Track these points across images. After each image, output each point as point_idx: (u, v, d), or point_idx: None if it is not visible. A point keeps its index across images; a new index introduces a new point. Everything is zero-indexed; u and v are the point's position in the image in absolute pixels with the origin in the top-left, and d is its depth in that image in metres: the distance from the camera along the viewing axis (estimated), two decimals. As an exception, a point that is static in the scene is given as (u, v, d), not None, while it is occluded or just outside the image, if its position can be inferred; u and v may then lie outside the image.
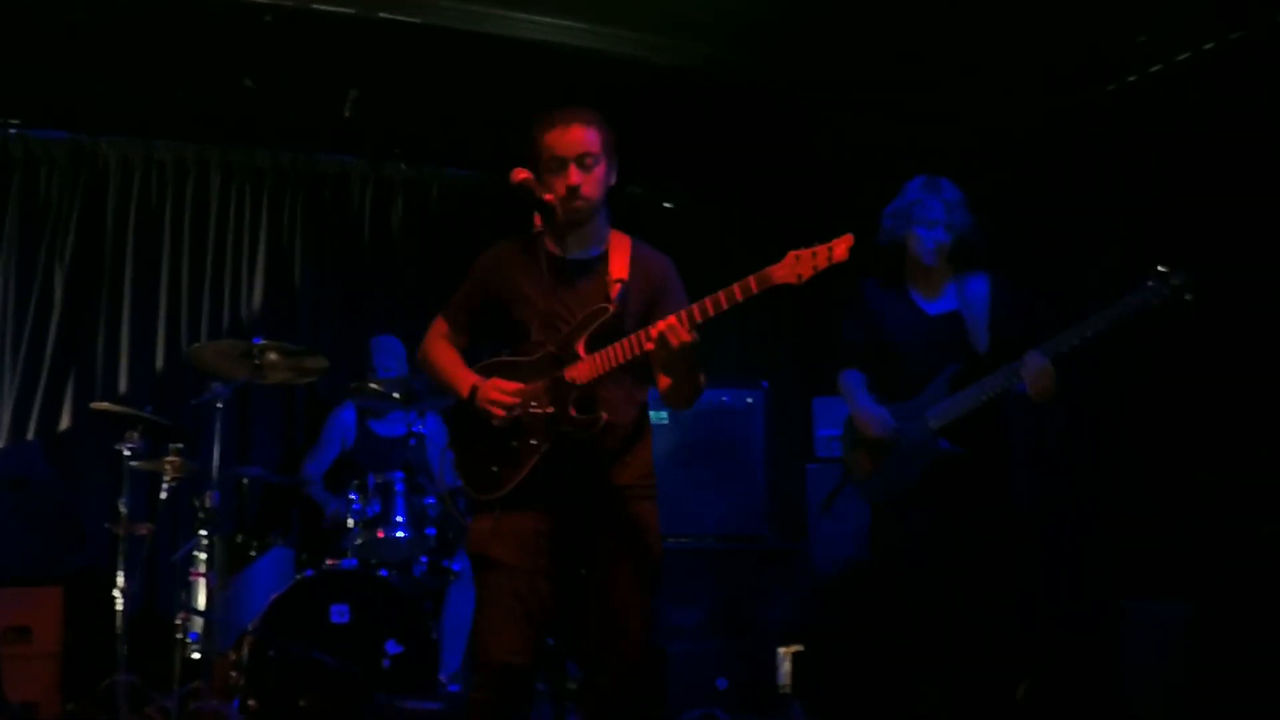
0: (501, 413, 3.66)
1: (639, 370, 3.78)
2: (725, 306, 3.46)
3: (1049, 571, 6.59)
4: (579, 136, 3.74)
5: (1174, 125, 6.11)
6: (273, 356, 5.88)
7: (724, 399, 6.97)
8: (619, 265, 3.81)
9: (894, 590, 4.78)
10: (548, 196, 3.65)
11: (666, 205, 8.63)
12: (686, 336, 3.47)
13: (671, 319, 3.47)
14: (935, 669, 4.77)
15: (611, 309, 3.70)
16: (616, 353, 3.61)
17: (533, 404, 3.64)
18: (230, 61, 6.40)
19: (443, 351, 3.95)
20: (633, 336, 3.59)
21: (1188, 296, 4.43)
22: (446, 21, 5.96)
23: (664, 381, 3.77)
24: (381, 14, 5.86)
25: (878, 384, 4.92)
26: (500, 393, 3.66)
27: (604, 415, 3.64)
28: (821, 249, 3.41)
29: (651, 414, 6.68)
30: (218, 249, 7.50)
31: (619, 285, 3.77)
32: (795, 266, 3.43)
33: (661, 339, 3.46)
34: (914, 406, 4.77)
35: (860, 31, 6.11)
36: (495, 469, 3.71)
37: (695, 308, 3.48)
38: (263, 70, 6.52)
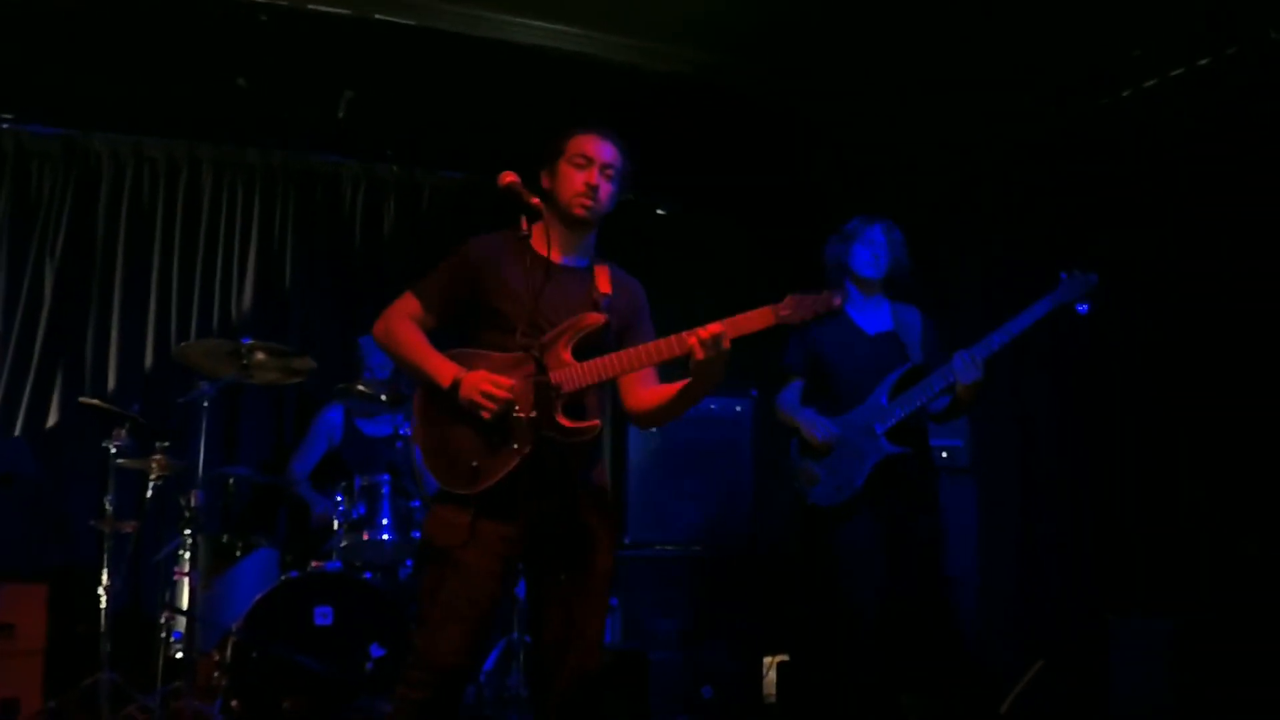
0: (494, 406, 3.60)
1: (609, 384, 3.81)
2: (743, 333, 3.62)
3: (1036, 588, 6.60)
4: (611, 150, 3.86)
5: (1168, 139, 6.12)
6: (261, 356, 5.87)
7: (712, 407, 6.98)
8: (604, 281, 3.86)
9: (842, 592, 5.00)
10: (534, 200, 3.64)
11: (660, 212, 8.62)
12: (727, 344, 3.55)
13: (715, 327, 3.54)
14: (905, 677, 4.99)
15: (603, 319, 3.74)
16: (621, 361, 3.66)
17: (519, 403, 3.62)
18: (224, 60, 6.39)
19: (412, 333, 3.84)
20: (669, 340, 3.63)
21: (1088, 298, 4.85)
22: (441, 24, 5.96)
23: (649, 394, 3.83)
24: (377, 15, 5.86)
25: (821, 401, 5.23)
26: (493, 385, 3.61)
27: (598, 423, 3.66)
28: (822, 297, 3.72)
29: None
30: (208, 247, 7.49)
31: (605, 298, 3.81)
32: (796, 311, 3.67)
33: (715, 342, 3.51)
34: (859, 413, 5.10)
35: (855, 42, 6.12)
36: (475, 464, 3.65)
37: (731, 321, 3.59)
38: (257, 69, 6.51)
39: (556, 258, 3.74)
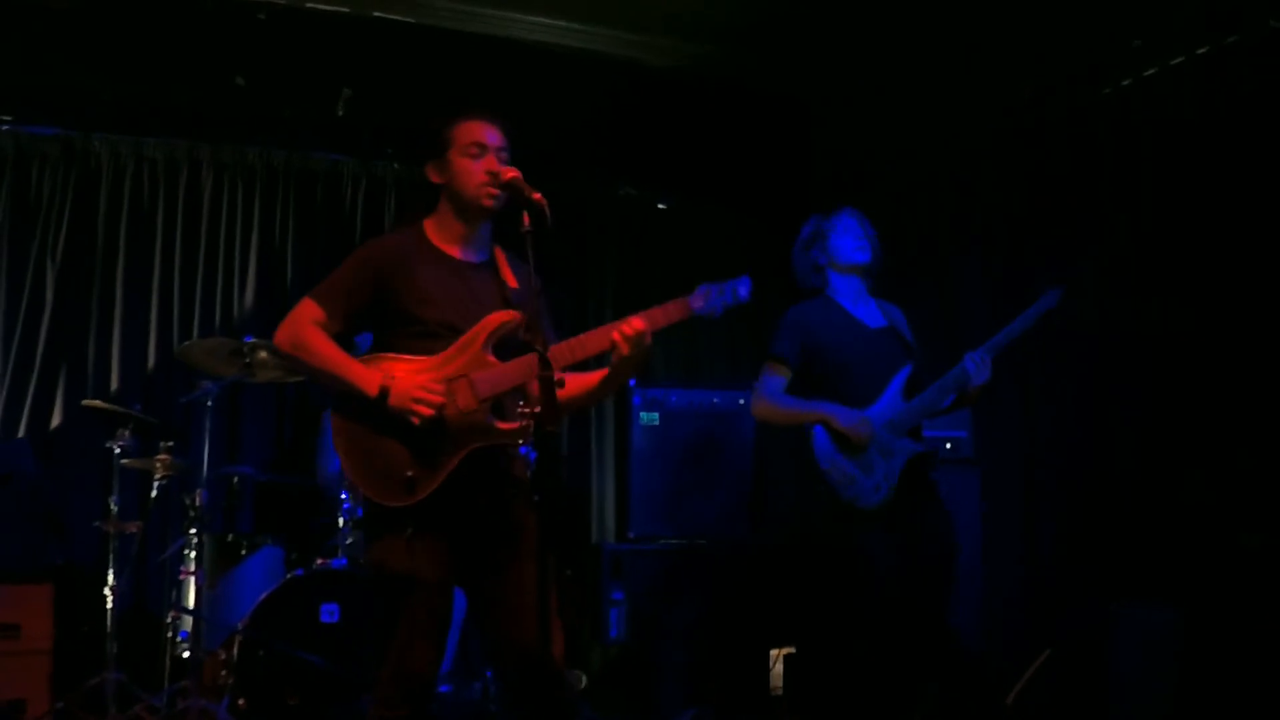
0: (429, 412, 3.51)
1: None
2: (662, 325, 3.58)
3: (1039, 578, 6.60)
4: (498, 132, 3.79)
5: (1168, 128, 6.12)
6: (263, 355, 5.87)
7: (715, 400, 6.97)
8: (507, 274, 3.81)
9: (874, 593, 4.84)
10: (536, 195, 3.56)
11: (660, 206, 8.63)
12: (649, 340, 3.54)
13: (639, 323, 3.53)
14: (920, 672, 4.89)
15: (520, 317, 3.65)
16: (581, 348, 3.62)
17: (449, 408, 3.55)
18: (223, 59, 6.40)
19: (324, 342, 3.65)
20: (592, 334, 3.61)
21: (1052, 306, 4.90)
22: (440, 21, 5.97)
23: (581, 385, 3.80)
24: (375, 13, 5.87)
25: (824, 397, 4.98)
26: (425, 391, 3.52)
27: (530, 422, 3.48)
28: (727, 286, 3.61)
29: (643, 415, 6.82)
30: (209, 247, 7.48)
31: (514, 293, 3.76)
32: (703, 301, 3.59)
33: (639, 338, 3.50)
34: (880, 410, 4.91)
35: (853, 35, 6.12)
36: (409, 474, 3.54)
37: (646, 316, 3.56)
38: (255, 68, 6.52)
39: (461, 254, 3.72)
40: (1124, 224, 6.30)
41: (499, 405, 3.64)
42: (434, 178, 3.82)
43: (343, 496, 6.05)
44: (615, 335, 3.53)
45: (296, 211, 7.69)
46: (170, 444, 5.95)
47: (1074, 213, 6.58)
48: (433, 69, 6.53)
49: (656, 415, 6.85)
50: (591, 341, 3.60)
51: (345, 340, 3.74)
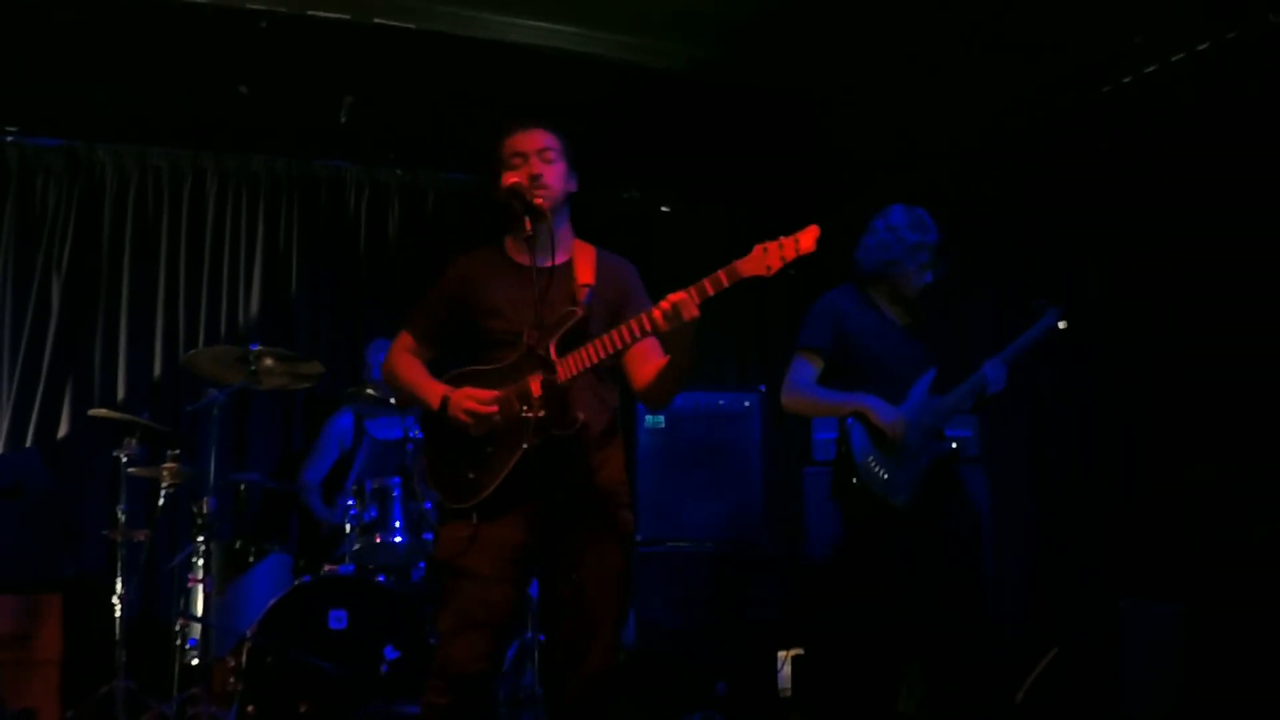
0: (472, 421, 3.67)
1: (609, 374, 3.86)
2: (711, 292, 3.47)
3: (1048, 575, 6.60)
4: (539, 135, 3.87)
5: (1169, 125, 6.12)
6: (269, 362, 5.88)
7: (721, 402, 6.97)
8: (585, 271, 3.87)
9: (888, 594, 4.82)
10: (538, 200, 3.67)
11: (664, 209, 8.63)
12: (696, 311, 3.47)
13: (679, 294, 3.46)
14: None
15: (579, 312, 3.73)
16: (599, 348, 3.61)
17: (507, 410, 3.65)
18: (225, 68, 6.41)
19: (408, 365, 3.97)
20: (622, 327, 3.58)
21: (1061, 325, 5.01)
22: (441, 26, 5.96)
23: (649, 371, 3.81)
24: (376, 20, 5.87)
25: (852, 388, 4.95)
26: (473, 401, 3.67)
27: (581, 415, 3.67)
28: (788, 240, 3.44)
29: (648, 418, 6.82)
30: (214, 255, 7.50)
31: (586, 289, 3.82)
32: (764, 259, 3.44)
33: (675, 311, 3.45)
34: (911, 409, 4.88)
35: (853, 34, 6.12)
36: (471, 476, 3.71)
37: (695, 287, 3.47)
38: (258, 77, 6.52)
39: (531, 260, 3.73)
40: (1127, 219, 6.29)
41: (560, 402, 3.67)
42: (496, 195, 3.86)
43: (349, 503, 6.06)
44: (656, 313, 3.51)
45: (300, 218, 7.72)
46: (177, 452, 5.96)
47: (1077, 210, 6.58)
48: (434, 74, 6.53)
49: (662, 418, 6.85)
50: (636, 326, 3.58)
51: (440, 363, 3.98)
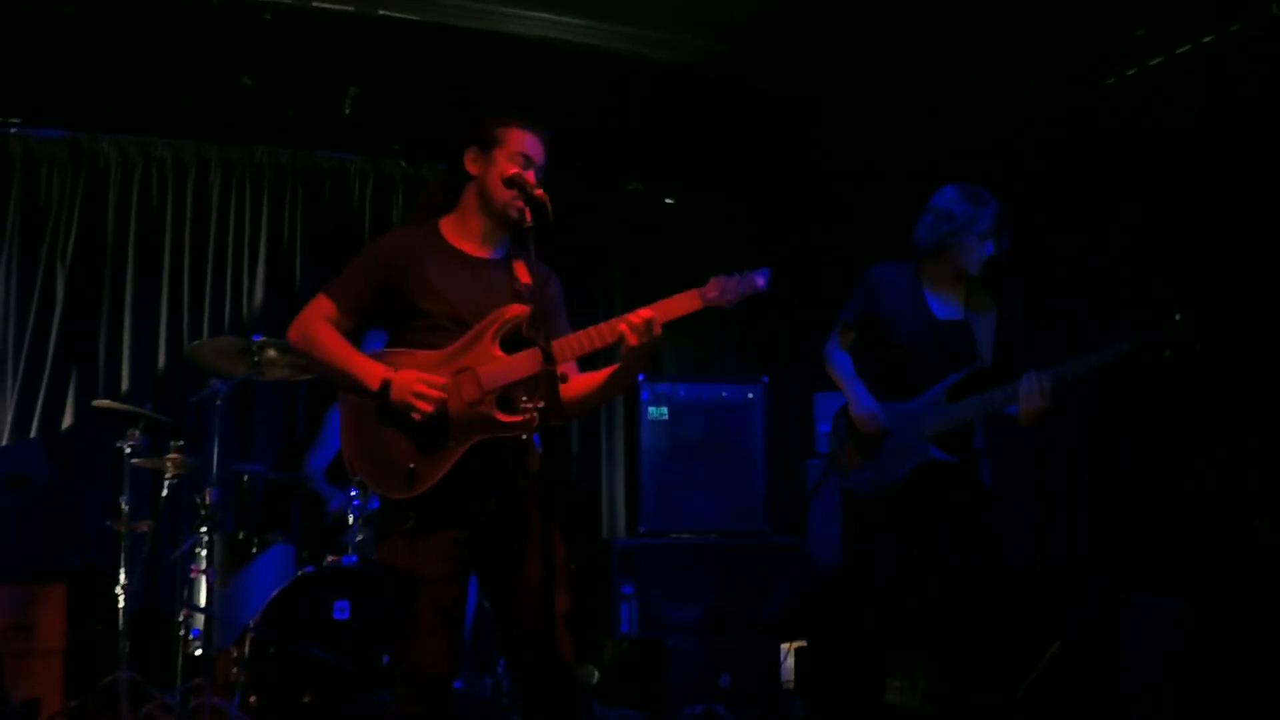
0: (429, 408, 3.54)
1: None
2: (672, 318, 3.56)
3: (1050, 566, 6.60)
4: (541, 148, 3.82)
5: (1174, 117, 6.11)
6: (272, 353, 5.89)
7: (724, 394, 6.98)
8: (522, 271, 3.79)
9: (871, 586, 4.84)
10: (539, 192, 3.62)
11: (668, 201, 8.63)
12: (659, 330, 3.52)
13: (646, 312, 3.51)
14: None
15: (528, 311, 3.64)
16: (591, 338, 3.62)
17: (453, 401, 3.58)
18: (230, 59, 6.41)
19: (332, 336, 3.71)
20: (600, 328, 3.59)
21: (1196, 346, 4.42)
22: (445, 18, 5.96)
23: (588, 384, 3.79)
24: (380, 11, 5.86)
25: (874, 375, 4.93)
26: (426, 385, 3.54)
27: (534, 415, 3.54)
28: (746, 279, 3.59)
29: (651, 410, 6.83)
30: (218, 246, 7.51)
31: (527, 288, 3.72)
32: (717, 295, 3.59)
33: (648, 327, 3.48)
34: (911, 410, 4.81)
35: (858, 27, 6.11)
36: (410, 466, 3.57)
37: (656, 307, 3.54)
38: (262, 68, 6.53)
39: (476, 250, 3.72)
40: (1130, 211, 6.29)
41: (505, 399, 3.63)
42: (470, 167, 3.80)
43: (352, 493, 6.07)
44: (622, 326, 3.53)
45: (304, 210, 7.72)
46: (181, 443, 5.98)
47: (1080, 206, 6.57)
48: (438, 66, 6.53)
49: (665, 410, 6.86)
50: (599, 334, 3.60)
51: (357, 336, 3.79)
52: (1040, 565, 6.63)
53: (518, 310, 3.67)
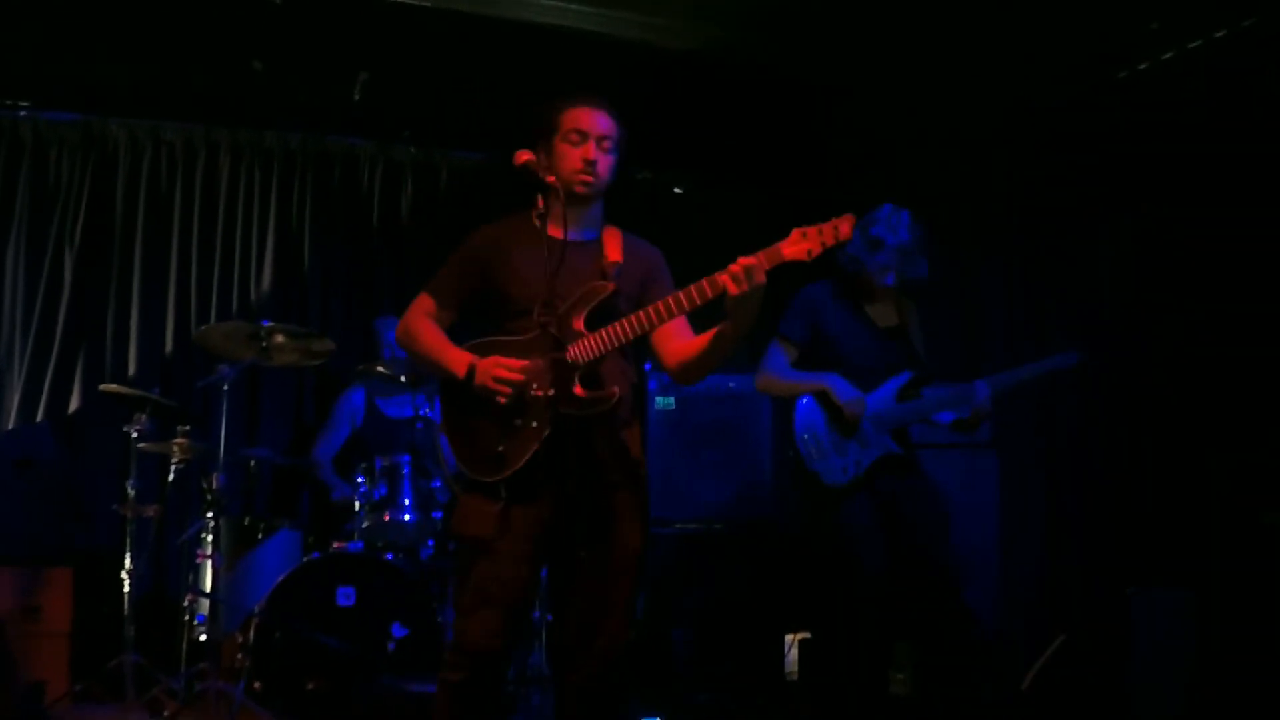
0: (508, 390, 3.61)
1: (633, 351, 3.85)
2: (768, 265, 3.47)
3: (1057, 561, 6.59)
4: (604, 120, 3.83)
5: (1186, 112, 6.09)
6: (280, 339, 5.89)
7: (731, 384, 6.96)
8: (613, 249, 3.84)
9: (851, 567, 5.01)
10: (549, 179, 3.68)
11: (676, 190, 8.62)
12: (762, 278, 3.45)
13: (748, 259, 3.44)
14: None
15: (611, 287, 3.73)
16: (633, 323, 3.63)
17: (535, 383, 3.63)
18: (240, 43, 6.40)
19: (429, 329, 3.89)
20: (700, 283, 3.55)
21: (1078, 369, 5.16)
22: (456, 4, 5.95)
23: (683, 346, 3.81)
24: (391, -4, 5.86)
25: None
26: (505, 370, 3.62)
27: (615, 390, 3.64)
28: (827, 227, 3.48)
29: (659, 400, 6.82)
30: (226, 231, 7.50)
31: (614, 266, 3.80)
32: (804, 243, 3.49)
33: (748, 273, 3.42)
34: (870, 404, 5.10)
35: (870, 16, 6.09)
36: (499, 449, 3.65)
37: (763, 253, 3.49)
38: (272, 53, 6.52)
39: (561, 234, 3.71)
40: (1141, 206, 6.27)
41: (590, 376, 3.68)
42: (540, 160, 3.82)
43: (358, 480, 6.07)
44: (723, 278, 3.47)
45: (313, 195, 7.70)
46: (188, 427, 5.97)
47: (1091, 199, 6.56)
48: (450, 52, 6.52)
49: (672, 399, 6.85)
50: (699, 290, 3.57)
51: (459, 328, 3.93)
52: (1050, 557, 6.61)
53: (600, 287, 3.73)
